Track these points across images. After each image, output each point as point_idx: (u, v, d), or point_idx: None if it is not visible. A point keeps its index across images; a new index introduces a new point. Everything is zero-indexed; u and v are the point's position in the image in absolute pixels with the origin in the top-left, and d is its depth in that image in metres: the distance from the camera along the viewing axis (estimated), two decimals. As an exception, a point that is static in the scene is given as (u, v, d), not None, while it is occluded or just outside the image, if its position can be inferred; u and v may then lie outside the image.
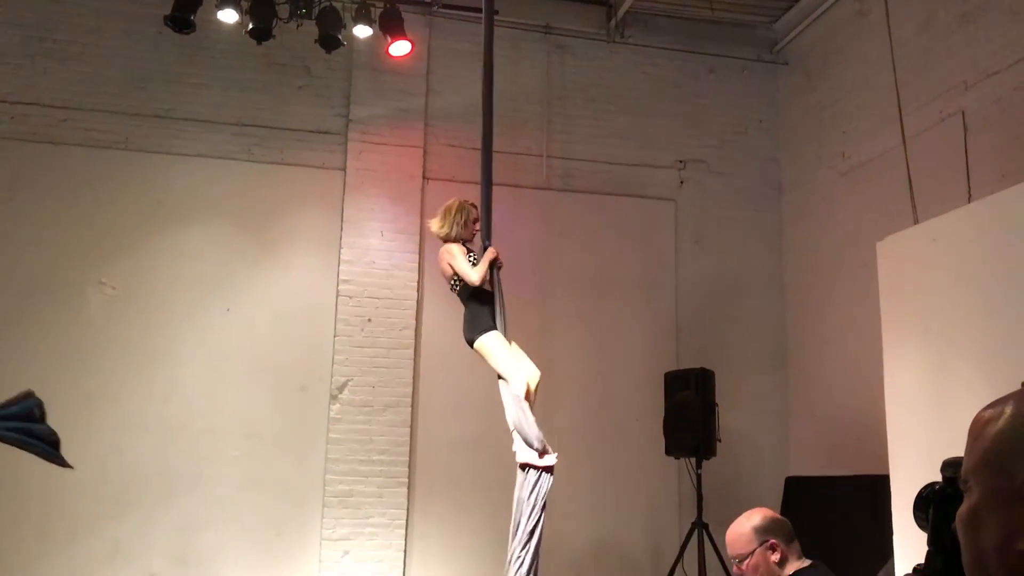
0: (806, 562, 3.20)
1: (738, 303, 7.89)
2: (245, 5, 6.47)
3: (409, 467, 7.01)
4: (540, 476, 4.88)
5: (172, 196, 7.00)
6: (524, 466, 4.90)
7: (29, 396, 2.31)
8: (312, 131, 7.33)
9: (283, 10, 6.55)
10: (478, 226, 5.36)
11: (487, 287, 5.19)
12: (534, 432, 4.87)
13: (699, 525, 6.46)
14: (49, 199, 6.79)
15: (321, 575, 6.73)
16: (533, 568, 4.80)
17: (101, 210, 6.85)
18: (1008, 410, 0.99)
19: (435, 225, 5.40)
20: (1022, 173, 4.71)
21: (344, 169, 7.31)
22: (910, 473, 4.53)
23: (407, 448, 7.02)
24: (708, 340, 7.56)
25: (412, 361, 7.14)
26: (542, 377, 5.14)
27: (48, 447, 2.42)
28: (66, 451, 2.35)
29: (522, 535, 4.80)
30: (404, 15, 6.92)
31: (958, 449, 1.05)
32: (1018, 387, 1.10)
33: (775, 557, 3.14)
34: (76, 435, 6.48)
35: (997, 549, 0.94)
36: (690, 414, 6.63)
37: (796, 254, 7.89)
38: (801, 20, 7.85)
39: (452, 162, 7.31)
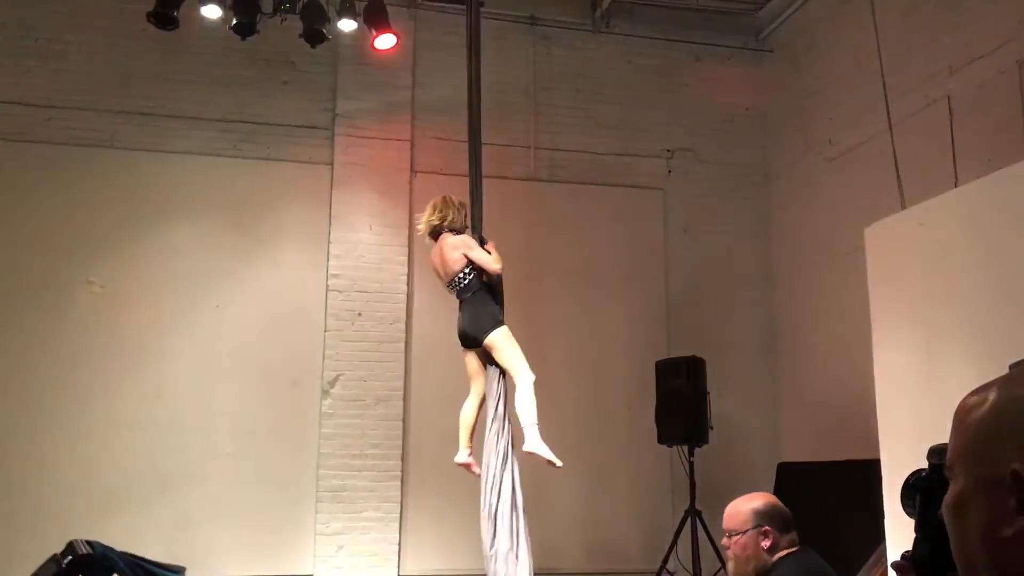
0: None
1: (727, 290, 7.90)
2: (228, 0, 6.44)
3: (402, 461, 7.02)
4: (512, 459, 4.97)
5: (158, 194, 6.97)
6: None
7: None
8: (299, 126, 7.31)
9: (267, 5, 6.51)
10: (468, 220, 5.36)
11: (486, 280, 5.18)
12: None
13: (692, 512, 6.48)
14: (34, 199, 6.75)
15: (315, 570, 6.74)
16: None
17: (87, 209, 6.81)
18: (992, 397, 0.99)
19: (435, 218, 5.25)
20: (1008, 157, 4.71)
21: (331, 164, 7.29)
22: (900, 457, 4.56)
23: (400, 442, 7.03)
24: (698, 328, 7.57)
25: (403, 355, 7.14)
26: (533, 367, 5.16)
27: None
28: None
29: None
30: (388, 8, 6.88)
31: (947, 434, 1.05)
32: (1006, 371, 1.10)
33: (765, 543, 3.18)
34: (66, 434, 6.49)
35: (981, 535, 0.95)
36: (682, 402, 6.65)
37: (784, 241, 7.91)
38: (786, 7, 7.85)
39: (440, 155, 7.29)
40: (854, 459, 6.00)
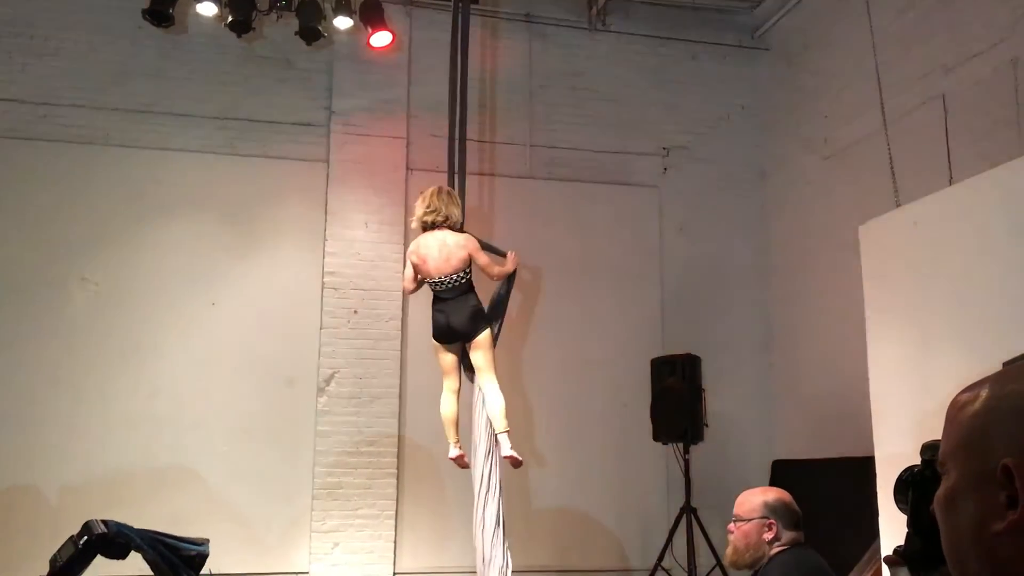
0: None
1: (723, 288, 7.91)
2: (224, -2, 6.44)
3: (398, 458, 7.02)
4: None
5: (154, 191, 6.96)
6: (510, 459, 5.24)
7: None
8: (294, 123, 7.30)
9: (263, 2, 6.51)
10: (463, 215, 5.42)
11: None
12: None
13: (688, 510, 6.50)
14: (29, 196, 6.74)
15: (311, 567, 6.74)
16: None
17: (83, 206, 6.81)
18: (984, 393, 1.00)
19: (438, 217, 5.21)
20: (1003, 155, 4.73)
21: (327, 161, 7.28)
22: (894, 454, 4.57)
23: (395, 439, 7.03)
24: (694, 326, 7.58)
25: (399, 352, 7.14)
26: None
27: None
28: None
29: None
30: (384, 6, 6.88)
31: (941, 430, 1.06)
32: (999, 369, 1.11)
33: (768, 535, 3.28)
34: (62, 432, 6.48)
35: (973, 531, 0.96)
36: (677, 400, 6.66)
37: (779, 239, 7.93)
38: (782, 5, 7.86)
39: (435, 152, 7.25)
40: (849, 456, 6.02)
